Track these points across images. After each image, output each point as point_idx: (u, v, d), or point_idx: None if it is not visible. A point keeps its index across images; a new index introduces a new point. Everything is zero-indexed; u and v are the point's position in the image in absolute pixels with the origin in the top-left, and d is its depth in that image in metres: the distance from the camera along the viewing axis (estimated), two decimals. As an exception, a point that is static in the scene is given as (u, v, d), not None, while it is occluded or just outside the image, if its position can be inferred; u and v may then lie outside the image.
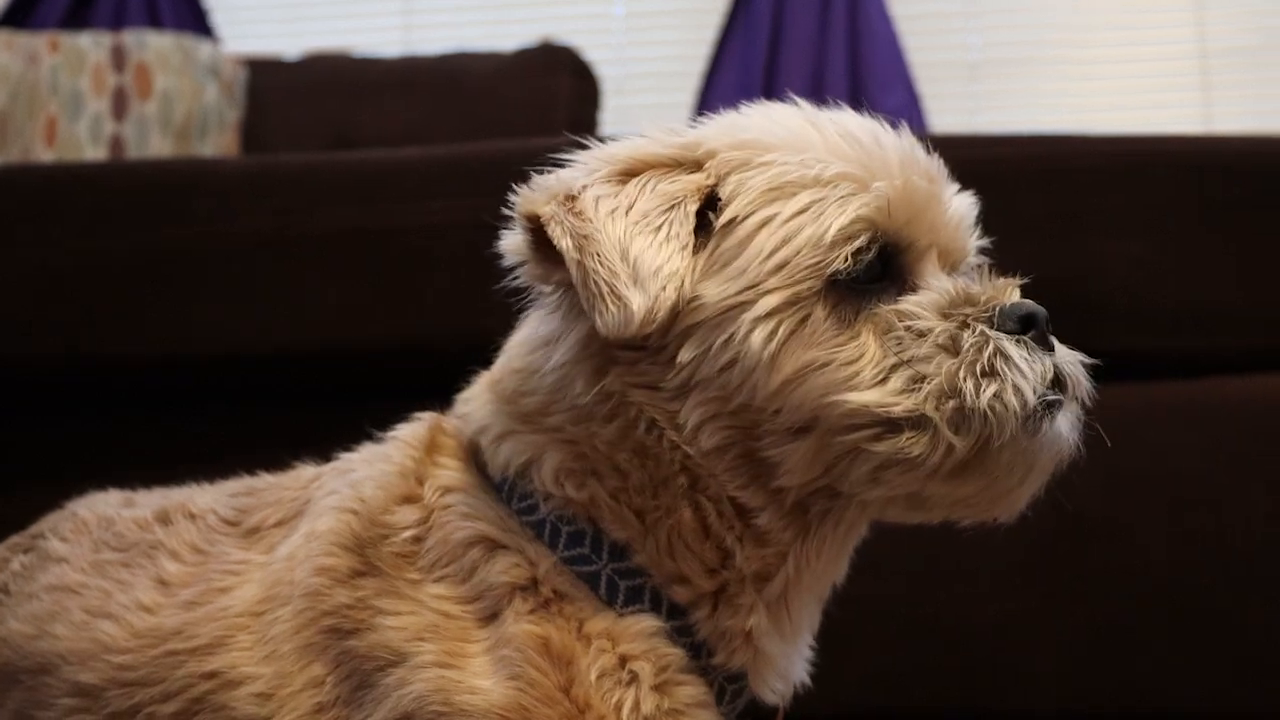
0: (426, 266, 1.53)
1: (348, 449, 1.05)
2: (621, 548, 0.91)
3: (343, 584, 0.93)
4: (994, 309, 0.86)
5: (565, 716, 0.86)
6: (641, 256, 0.84)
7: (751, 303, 0.85)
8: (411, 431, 1.00)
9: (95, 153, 2.93)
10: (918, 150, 0.92)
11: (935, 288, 0.88)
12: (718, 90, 3.86)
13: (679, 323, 0.86)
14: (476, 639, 0.89)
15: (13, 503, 1.14)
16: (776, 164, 0.88)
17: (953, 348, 0.85)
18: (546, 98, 3.07)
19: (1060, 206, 1.54)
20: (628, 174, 0.89)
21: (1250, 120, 3.73)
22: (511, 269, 0.93)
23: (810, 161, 0.87)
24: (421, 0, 4.19)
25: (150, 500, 1.13)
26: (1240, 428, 1.49)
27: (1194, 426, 1.50)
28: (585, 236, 0.85)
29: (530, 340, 0.95)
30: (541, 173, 0.91)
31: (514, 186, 0.90)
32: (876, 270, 0.87)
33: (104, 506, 1.14)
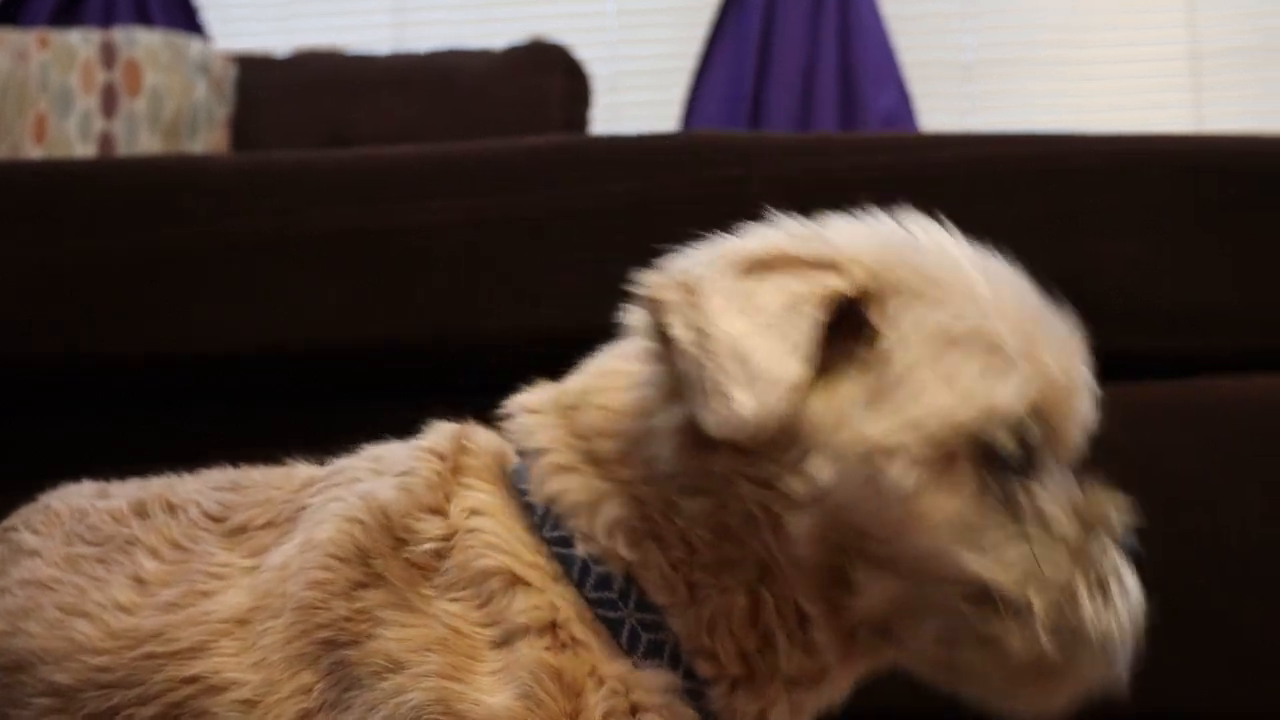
0: (425, 266, 1.52)
1: (347, 449, 1.02)
2: (655, 607, 0.87)
3: (340, 597, 0.89)
4: (1115, 522, 0.85)
5: None
6: (754, 358, 0.80)
7: (909, 446, 0.81)
8: (433, 443, 0.96)
9: (85, 150, 2.92)
10: (1072, 329, 0.89)
11: (1060, 480, 0.86)
12: (708, 88, 3.85)
13: (809, 435, 0.83)
14: (486, 659, 0.85)
15: (13, 503, 1.14)
16: (952, 308, 0.84)
17: (1076, 551, 0.83)
18: (538, 96, 3.07)
19: (1055, 206, 1.54)
20: (757, 268, 0.84)
21: (1244, 120, 3.74)
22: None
23: (986, 316, 0.84)
24: (412, -2, 4.19)
25: (126, 491, 1.09)
26: (1236, 428, 1.49)
27: (1189, 427, 1.50)
28: (701, 330, 0.81)
29: (627, 381, 0.90)
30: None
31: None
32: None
33: (77, 498, 1.10)
